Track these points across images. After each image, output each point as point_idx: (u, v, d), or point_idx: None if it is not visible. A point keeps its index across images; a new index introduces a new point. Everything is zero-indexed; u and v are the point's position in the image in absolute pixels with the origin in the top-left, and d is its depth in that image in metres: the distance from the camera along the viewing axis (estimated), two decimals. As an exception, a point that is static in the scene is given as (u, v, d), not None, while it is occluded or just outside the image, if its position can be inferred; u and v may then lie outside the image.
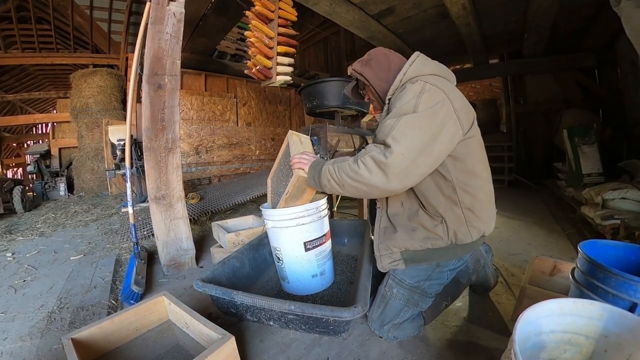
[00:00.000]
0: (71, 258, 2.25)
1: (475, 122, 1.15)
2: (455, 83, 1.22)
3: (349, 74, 1.38)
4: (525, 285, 1.33)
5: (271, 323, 1.28)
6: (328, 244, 1.54)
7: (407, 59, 1.23)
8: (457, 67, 6.35)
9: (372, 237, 1.38)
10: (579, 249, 1.05)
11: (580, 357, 0.81)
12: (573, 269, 1.09)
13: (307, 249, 1.43)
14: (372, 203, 1.61)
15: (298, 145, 1.51)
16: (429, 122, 1.00)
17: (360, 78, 1.33)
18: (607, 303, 0.80)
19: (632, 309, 0.84)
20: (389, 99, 1.23)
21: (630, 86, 3.40)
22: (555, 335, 0.81)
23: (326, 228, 1.53)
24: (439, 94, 1.04)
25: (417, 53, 1.21)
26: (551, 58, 4.60)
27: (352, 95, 1.45)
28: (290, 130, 1.55)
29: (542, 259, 1.53)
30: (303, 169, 1.25)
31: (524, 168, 5.22)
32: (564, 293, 1.23)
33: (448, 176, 1.11)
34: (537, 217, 3.01)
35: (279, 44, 2.65)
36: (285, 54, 2.71)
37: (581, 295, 0.98)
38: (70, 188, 5.52)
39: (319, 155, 1.56)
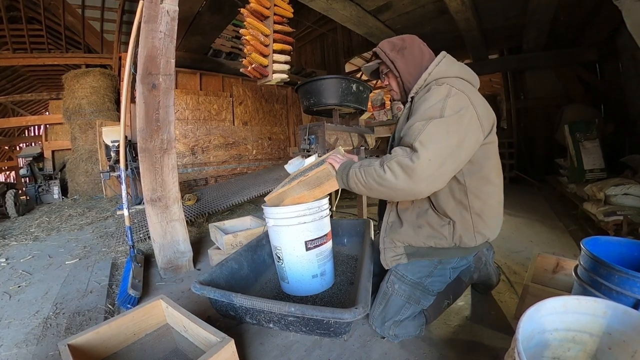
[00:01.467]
0: (66, 262, 2.25)
1: (495, 128, 1.17)
2: (479, 86, 1.25)
3: (372, 52, 1.35)
4: (528, 283, 1.33)
5: (271, 325, 1.28)
6: (329, 245, 1.54)
7: (434, 58, 1.24)
8: (457, 62, 6.36)
9: (379, 232, 1.38)
10: (581, 245, 1.05)
11: (584, 355, 0.81)
12: (576, 266, 1.09)
13: (308, 249, 1.44)
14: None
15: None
16: (456, 128, 1.01)
17: (389, 65, 1.30)
18: (610, 300, 0.80)
19: (636, 305, 0.84)
20: (412, 97, 1.23)
21: (631, 80, 3.40)
22: (559, 334, 0.81)
23: (327, 228, 1.54)
24: (464, 99, 1.05)
25: (443, 53, 1.22)
26: (551, 53, 4.61)
27: (369, 75, 1.44)
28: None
29: (544, 257, 1.53)
30: (333, 165, 1.25)
31: (525, 164, 5.23)
32: (567, 291, 1.24)
33: (462, 180, 1.13)
34: (539, 214, 3.02)
35: (275, 41, 2.64)
36: (282, 52, 2.71)
37: (584, 292, 0.98)
38: (64, 191, 5.49)
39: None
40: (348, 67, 7.58)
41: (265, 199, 1.49)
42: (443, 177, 1.03)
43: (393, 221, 1.30)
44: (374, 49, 1.34)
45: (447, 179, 1.05)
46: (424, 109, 1.06)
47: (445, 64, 1.19)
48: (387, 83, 1.37)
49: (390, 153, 1.12)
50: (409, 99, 1.26)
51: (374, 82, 3.85)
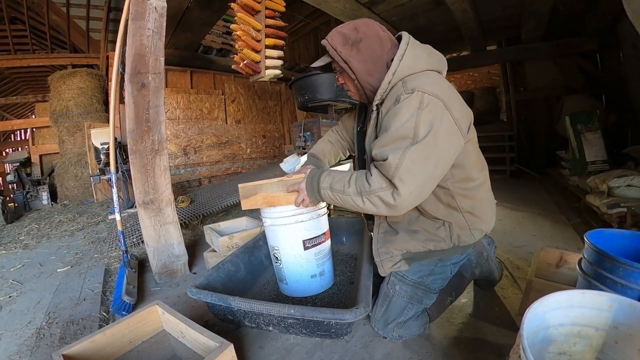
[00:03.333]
0: (58, 270, 2.23)
1: (472, 124, 1.13)
2: (446, 68, 1.16)
3: (323, 44, 1.16)
4: (532, 278, 1.34)
5: (270, 328, 1.28)
6: (327, 244, 1.55)
7: (397, 43, 1.12)
8: (454, 54, 6.37)
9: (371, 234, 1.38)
10: (585, 238, 1.06)
11: (591, 350, 0.82)
12: (580, 260, 1.10)
13: (306, 248, 1.44)
14: None
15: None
16: (433, 150, 0.97)
17: (343, 66, 1.13)
18: (616, 293, 0.80)
19: (641, 298, 0.85)
20: (378, 105, 1.14)
21: (633, 70, 3.42)
22: (564, 329, 0.82)
23: (325, 227, 1.54)
24: (438, 106, 0.98)
25: (405, 38, 1.09)
26: (551, 43, 4.62)
27: (321, 69, 1.31)
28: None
29: (547, 251, 1.54)
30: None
31: (526, 157, 5.26)
32: (572, 285, 1.25)
33: (445, 185, 1.12)
34: (541, 208, 3.04)
35: (267, 36, 2.63)
36: (274, 47, 2.70)
37: (589, 286, 0.99)
38: (53, 196, 5.44)
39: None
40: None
41: (240, 185, 1.41)
42: (424, 196, 1.04)
43: (385, 231, 1.28)
44: (322, 42, 1.16)
45: (428, 194, 1.05)
46: (395, 127, 0.99)
47: (410, 57, 1.06)
48: (343, 82, 1.23)
49: (367, 166, 1.15)
50: (374, 107, 1.15)
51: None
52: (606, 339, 0.80)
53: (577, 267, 1.09)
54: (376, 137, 1.15)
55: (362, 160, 1.38)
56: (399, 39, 1.13)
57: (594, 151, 3.09)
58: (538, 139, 5.25)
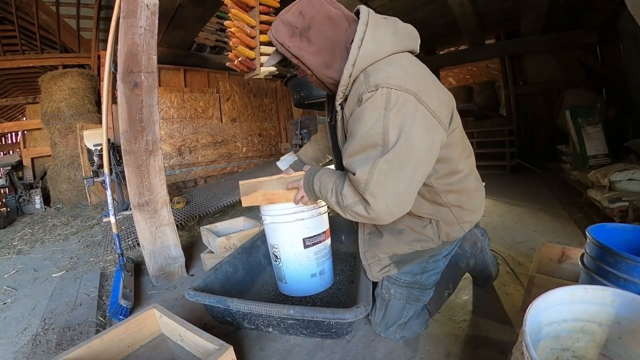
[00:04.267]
0: (53, 275, 2.23)
1: (455, 110, 1.05)
2: (419, 42, 1.03)
3: (269, 38, 1.04)
4: (534, 274, 1.34)
5: (270, 330, 1.28)
6: (328, 242, 1.55)
7: (354, 21, 0.96)
8: (452, 49, 6.37)
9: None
10: (587, 233, 1.06)
11: (594, 345, 0.82)
12: (582, 255, 1.10)
13: (306, 246, 1.44)
14: None
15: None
16: (408, 155, 0.87)
17: (295, 62, 1.01)
18: (618, 288, 0.81)
19: (644, 292, 0.86)
20: (342, 104, 1.03)
21: (633, 63, 3.44)
22: (567, 324, 0.82)
23: (326, 225, 1.54)
24: (408, 101, 0.86)
25: (363, 18, 0.93)
26: (550, 36, 4.63)
27: (278, 64, 1.15)
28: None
29: (549, 246, 1.55)
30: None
31: (526, 152, 5.27)
32: (574, 280, 1.26)
33: (428, 182, 1.04)
34: (542, 203, 3.06)
35: (261, 32, 2.61)
36: (269, 43, 2.68)
37: (592, 281, 1.00)
38: (46, 200, 5.42)
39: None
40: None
41: (240, 182, 1.44)
42: (406, 203, 0.95)
43: (370, 232, 1.25)
44: (267, 34, 1.04)
45: (412, 200, 0.96)
46: (361, 134, 0.90)
47: (372, 41, 0.91)
48: (303, 75, 1.11)
49: (339, 159, 1.12)
50: (338, 107, 1.05)
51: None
52: (609, 334, 0.80)
53: (579, 262, 1.09)
54: (346, 138, 1.06)
55: (336, 152, 1.28)
56: (357, 14, 0.98)
57: (594, 145, 3.10)
58: (538, 134, 5.27)
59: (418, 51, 1.04)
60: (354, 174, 0.91)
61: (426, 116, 0.89)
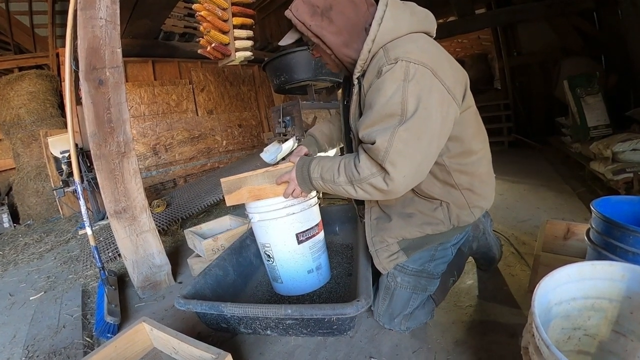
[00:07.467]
0: (30, 298, 2.18)
1: (468, 89, 1.10)
2: (435, 25, 1.13)
3: (287, 17, 1.11)
4: (539, 252, 1.37)
5: (269, 332, 1.29)
6: (321, 235, 1.56)
7: (372, 4, 1.07)
8: (440, 21, 6.36)
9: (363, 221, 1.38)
10: (592, 207, 1.08)
11: (606, 322, 0.85)
12: (588, 230, 1.13)
13: (299, 241, 1.44)
14: None
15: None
16: (426, 125, 0.94)
17: (315, 41, 1.10)
18: (627, 262, 0.83)
19: (654, 265, 0.88)
20: (359, 78, 1.11)
21: (632, 28, 3.46)
22: (577, 302, 0.84)
23: (318, 217, 1.55)
24: (426, 75, 0.94)
25: None
26: (544, 2, 4.61)
27: (291, 45, 1.29)
28: None
29: (553, 223, 1.58)
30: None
31: (525, 126, 5.35)
32: (581, 257, 1.28)
33: (440, 160, 1.10)
34: (543, 179, 3.12)
35: (234, 15, 2.56)
36: (242, 26, 2.63)
37: (599, 256, 1.02)
38: (14, 217, 5.27)
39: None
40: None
41: (222, 179, 1.42)
42: (421, 176, 1.02)
43: (378, 217, 1.28)
44: (286, 13, 1.11)
45: (426, 174, 1.04)
46: (380, 104, 0.97)
47: (391, 19, 1.00)
48: (319, 56, 1.20)
49: (352, 146, 1.18)
50: (355, 81, 1.13)
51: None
52: (621, 310, 0.82)
53: (586, 237, 1.12)
54: (360, 114, 1.13)
55: (347, 138, 1.36)
56: None
57: (595, 116, 3.15)
58: (536, 106, 5.33)
59: (434, 35, 1.13)
60: (373, 143, 0.96)
61: (441, 90, 0.97)
